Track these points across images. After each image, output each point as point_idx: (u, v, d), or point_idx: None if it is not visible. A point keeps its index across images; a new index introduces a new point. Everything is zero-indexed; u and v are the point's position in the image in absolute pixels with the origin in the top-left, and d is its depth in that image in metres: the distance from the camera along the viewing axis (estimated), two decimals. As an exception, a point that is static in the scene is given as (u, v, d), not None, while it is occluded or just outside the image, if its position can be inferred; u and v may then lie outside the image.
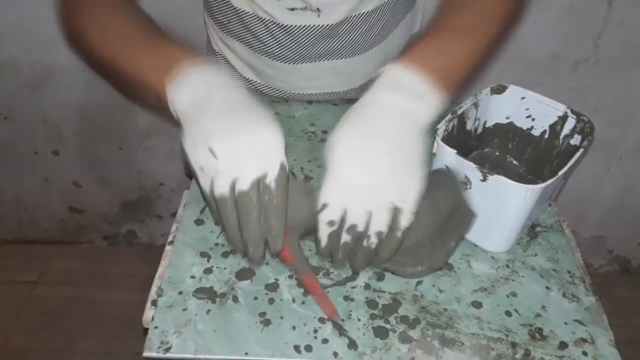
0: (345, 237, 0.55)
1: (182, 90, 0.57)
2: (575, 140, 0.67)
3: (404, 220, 0.54)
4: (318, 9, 0.74)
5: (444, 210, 0.60)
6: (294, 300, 0.58)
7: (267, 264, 0.61)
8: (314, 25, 0.76)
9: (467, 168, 0.60)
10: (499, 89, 0.70)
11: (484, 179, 0.59)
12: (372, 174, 0.54)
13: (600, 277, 1.70)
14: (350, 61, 0.81)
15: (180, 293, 0.58)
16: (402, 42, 0.86)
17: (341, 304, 0.58)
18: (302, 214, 0.58)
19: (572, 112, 0.68)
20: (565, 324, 0.58)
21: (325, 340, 0.54)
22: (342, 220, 0.55)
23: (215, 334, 0.54)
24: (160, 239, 1.69)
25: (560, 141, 0.69)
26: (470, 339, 0.55)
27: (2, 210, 1.63)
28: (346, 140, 0.56)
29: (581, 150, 0.63)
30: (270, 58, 0.81)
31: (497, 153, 0.74)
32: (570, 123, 0.68)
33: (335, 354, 0.53)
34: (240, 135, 0.54)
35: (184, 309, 0.56)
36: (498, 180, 0.58)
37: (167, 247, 0.63)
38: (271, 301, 0.57)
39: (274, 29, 0.76)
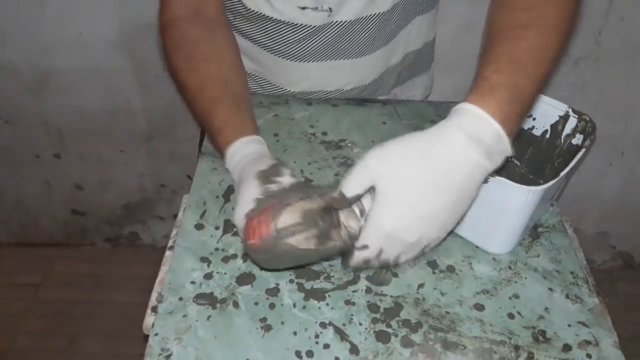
0: (374, 264, 0.56)
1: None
2: (577, 139, 0.67)
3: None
4: (330, 9, 0.73)
5: None
6: (294, 305, 0.57)
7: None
8: (323, 25, 0.75)
9: (467, 170, 0.59)
10: (500, 89, 0.69)
11: (485, 181, 0.58)
12: (419, 232, 0.53)
13: (604, 273, 1.70)
14: (357, 61, 0.81)
15: (181, 299, 0.57)
16: (409, 44, 0.85)
17: (342, 308, 0.57)
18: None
19: (574, 111, 0.67)
20: (569, 325, 0.57)
21: (326, 346, 0.54)
22: (376, 256, 0.55)
23: (216, 340, 0.54)
24: (162, 240, 1.70)
25: (562, 141, 0.69)
26: (473, 342, 0.55)
27: (5, 214, 1.63)
28: (403, 184, 0.52)
29: (583, 149, 0.62)
30: (275, 55, 0.80)
31: (498, 153, 0.74)
32: (572, 122, 0.67)
33: (337, 359, 0.53)
34: None
35: (184, 315, 0.56)
36: (499, 182, 0.57)
37: (167, 252, 0.63)
38: (272, 306, 0.57)
39: (282, 27, 0.76)
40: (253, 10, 0.76)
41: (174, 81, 0.76)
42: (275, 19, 0.76)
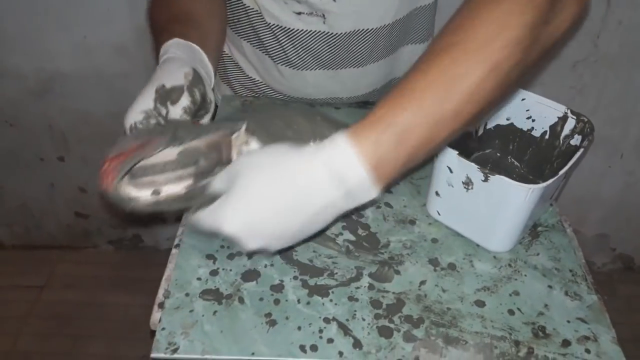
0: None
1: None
2: (576, 140, 0.68)
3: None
4: (323, 15, 0.75)
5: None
6: (299, 301, 0.58)
7: (272, 265, 0.62)
8: (319, 32, 0.76)
9: (468, 169, 0.60)
10: (499, 90, 0.71)
11: (486, 180, 0.60)
12: (248, 228, 0.50)
13: (604, 275, 1.71)
14: (355, 71, 0.82)
15: (187, 295, 0.58)
16: (413, 56, 0.85)
17: (346, 304, 0.58)
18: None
19: (572, 112, 0.68)
20: (568, 322, 0.58)
21: (330, 340, 0.55)
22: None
23: (222, 335, 0.55)
24: (165, 243, 1.70)
25: (561, 141, 0.70)
26: (474, 338, 0.56)
27: (9, 217, 1.64)
28: (258, 192, 0.50)
29: (581, 150, 0.64)
30: (275, 62, 0.82)
31: (498, 154, 0.75)
32: (570, 123, 0.68)
33: (341, 354, 0.54)
34: None
35: (191, 311, 0.57)
36: (499, 181, 0.59)
37: (174, 250, 0.64)
38: (277, 302, 0.58)
39: (278, 32, 0.77)
40: (254, 10, 0.77)
41: (149, 25, 0.75)
42: (272, 24, 0.77)
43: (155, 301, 0.59)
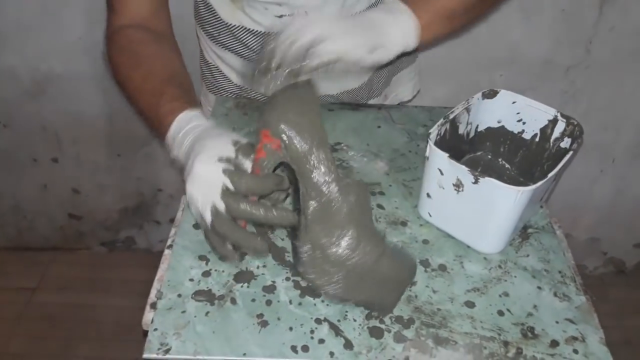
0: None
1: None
2: (565, 143, 0.69)
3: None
4: (306, 13, 0.75)
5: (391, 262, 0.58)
6: (290, 302, 0.59)
7: (264, 266, 0.62)
8: None
9: (459, 171, 0.61)
10: (490, 94, 0.72)
11: (476, 182, 0.60)
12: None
13: (596, 279, 1.72)
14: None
15: (179, 296, 0.59)
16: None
17: (337, 305, 0.59)
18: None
19: (562, 115, 0.69)
20: (557, 322, 0.59)
21: (321, 341, 0.55)
22: None
23: (214, 335, 0.55)
24: (158, 245, 1.70)
25: (551, 144, 0.71)
26: (464, 338, 0.57)
27: (2, 218, 1.64)
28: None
29: (571, 152, 0.64)
30: None
31: (489, 156, 0.76)
32: (560, 126, 0.69)
33: (332, 354, 0.54)
34: None
35: (183, 311, 0.57)
36: (489, 183, 0.59)
37: (166, 251, 0.65)
38: (268, 303, 0.59)
39: (263, 39, 0.78)
40: (234, 25, 0.78)
41: (116, 80, 0.75)
42: (255, 30, 0.77)
43: (147, 301, 0.59)
